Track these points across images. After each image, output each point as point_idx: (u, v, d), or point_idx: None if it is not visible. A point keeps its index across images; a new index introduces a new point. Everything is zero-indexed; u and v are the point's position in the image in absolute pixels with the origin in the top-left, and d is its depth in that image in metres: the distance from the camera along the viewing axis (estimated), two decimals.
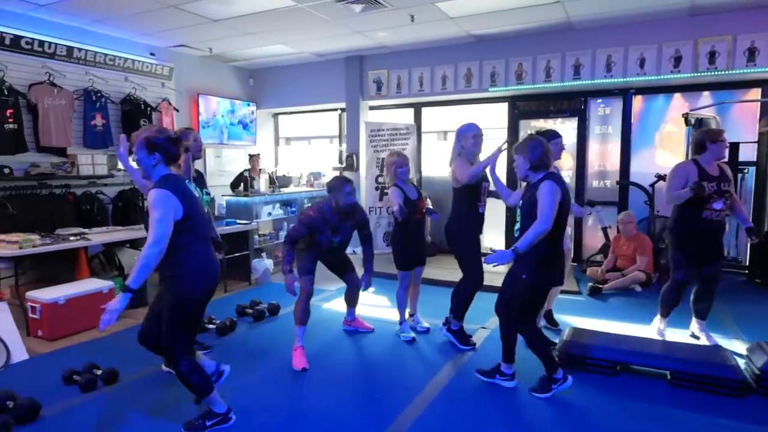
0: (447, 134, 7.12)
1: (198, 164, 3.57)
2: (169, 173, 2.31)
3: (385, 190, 6.48)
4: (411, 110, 7.11)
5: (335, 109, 7.60)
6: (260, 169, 6.69)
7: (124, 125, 5.89)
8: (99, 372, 2.99)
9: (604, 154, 6.22)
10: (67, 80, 5.35)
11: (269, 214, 6.08)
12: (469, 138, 3.38)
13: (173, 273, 2.25)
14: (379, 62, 6.83)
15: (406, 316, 3.84)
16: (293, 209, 6.71)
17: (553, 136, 3.31)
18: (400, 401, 2.76)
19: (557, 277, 2.80)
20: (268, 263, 5.48)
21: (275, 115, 8.30)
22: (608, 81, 5.66)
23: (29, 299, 3.76)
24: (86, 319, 3.88)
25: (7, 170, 4.78)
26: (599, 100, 6.13)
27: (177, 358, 2.32)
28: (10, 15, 4.93)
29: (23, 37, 4.96)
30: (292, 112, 8.08)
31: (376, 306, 4.54)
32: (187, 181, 3.04)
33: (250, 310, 4.21)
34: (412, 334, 3.72)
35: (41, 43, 5.11)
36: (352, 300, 3.78)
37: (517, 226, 2.92)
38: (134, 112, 5.95)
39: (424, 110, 7.07)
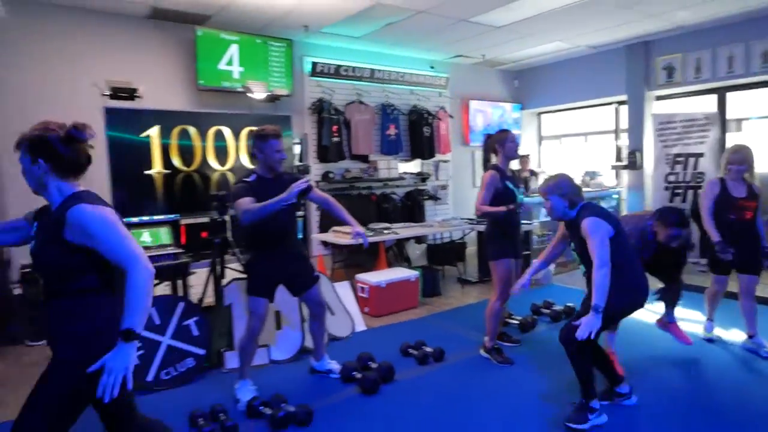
0: None
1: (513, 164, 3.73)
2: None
3: (677, 190, 5.78)
4: (712, 97, 6.15)
5: (609, 104, 7.13)
6: (530, 170, 6.74)
7: (411, 133, 6.70)
8: (429, 349, 3.44)
9: None
10: (370, 98, 6.36)
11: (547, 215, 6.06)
12: None
13: None
14: (671, 46, 6.12)
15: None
16: None
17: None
18: None
19: (640, 300, 2.57)
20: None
21: (539, 114, 8.26)
22: None
23: (359, 281, 4.58)
24: (399, 301, 4.54)
25: (331, 175, 5.94)
26: None
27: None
28: (336, 49, 6.11)
29: (342, 65, 6.09)
30: (558, 110, 7.91)
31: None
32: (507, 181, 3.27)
33: (547, 310, 4.27)
34: None
35: (354, 68, 6.18)
36: (671, 298, 3.44)
37: (582, 269, 2.66)
38: (418, 121, 6.69)
39: (730, 95, 6.04)
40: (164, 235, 3.65)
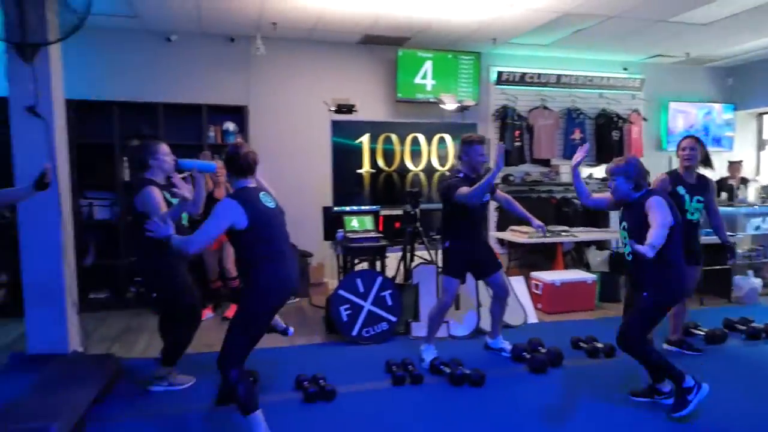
0: None
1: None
2: None
3: None
4: None
5: None
6: (741, 177, 6.06)
7: (597, 138, 6.61)
8: (600, 345, 3.58)
9: None
10: (555, 103, 6.49)
11: (757, 228, 5.42)
12: None
13: None
14: None
15: None
16: None
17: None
18: None
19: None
20: (756, 282, 4.93)
21: (759, 116, 7.27)
22: None
23: (533, 278, 4.84)
24: (574, 302, 4.67)
25: (511, 178, 6.27)
26: None
27: (228, 364, 2.33)
28: (522, 57, 6.41)
29: (527, 73, 6.35)
30: None
31: None
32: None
33: (742, 327, 3.97)
34: None
35: (539, 75, 6.39)
36: None
37: (627, 249, 2.67)
38: (606, 125, 6.56)
39: None
40: (368, 222, 4.48)
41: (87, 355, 3.56)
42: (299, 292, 5.37)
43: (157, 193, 2.89)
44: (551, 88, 6.46)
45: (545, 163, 6.47)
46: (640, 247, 2.32)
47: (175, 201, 2.95)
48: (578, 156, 3.05)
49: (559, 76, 6.45)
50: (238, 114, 5.54)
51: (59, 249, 3.45)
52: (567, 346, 3.70)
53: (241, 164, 2.44)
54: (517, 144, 6.28)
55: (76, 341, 3.66)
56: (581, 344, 3.67)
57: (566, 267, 5.72)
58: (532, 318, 4.40)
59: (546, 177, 6.36)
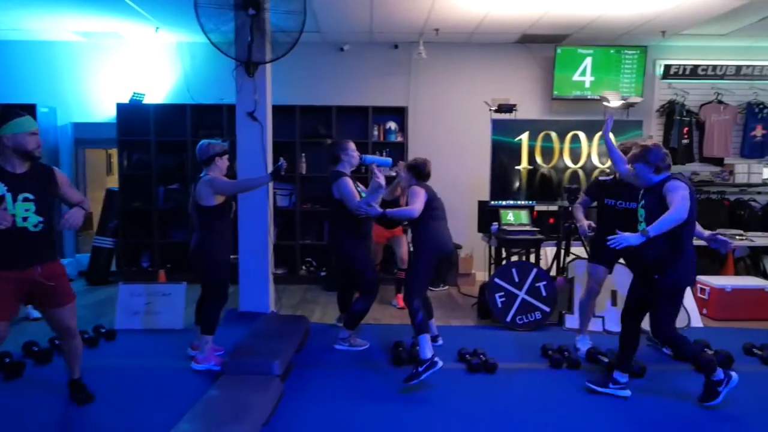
0: None
1: None
2: None
3: None
4: None
5: None
6: None
7: None
8: None
9: None
10: (732, 97, 5.97)
11: None
12: None
13: None
14: None
15: None
16: None
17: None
18: None
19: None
20: None
21: None
22: None
23: (700, 282, 4.61)
24: (746, 310, 4.35)
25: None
26: None
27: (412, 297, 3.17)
28: (693, 48, 6.00)
29: (700, 65, 5.94)
30: None
31: None
32: None
33: None
34: None
35: (714, 67, 5.93)
36: None
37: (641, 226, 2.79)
38: None
39: None
40: (523, 216, 4.68)
41: (283, 315, 4.34)
42: (448, 281, 5.79)
43: (349, 182, 3.46)
44: (728, 81, 5.96)
45: (717, 161, 5.99)
46: (627, 235, 2.50)
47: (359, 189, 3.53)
48: (607, 125, 3.23)
49: (738, 67, 5.92)
50: (399, 114, 6.10)
51: (266, 230, 4.27)
52: (737, 351, 3.53)
53: (424, 172, 3.44)
54: (685, 141, 5.92)
55: (273, 305, 4.48)
56: (755, 351, 3.48)
57: (737, 273, 5.29)
58: (696, 322, 4.21)
59: (717, 177, 5.89)
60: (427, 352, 3.03)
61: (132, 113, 6.01)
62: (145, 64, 6.26)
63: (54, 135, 6.22)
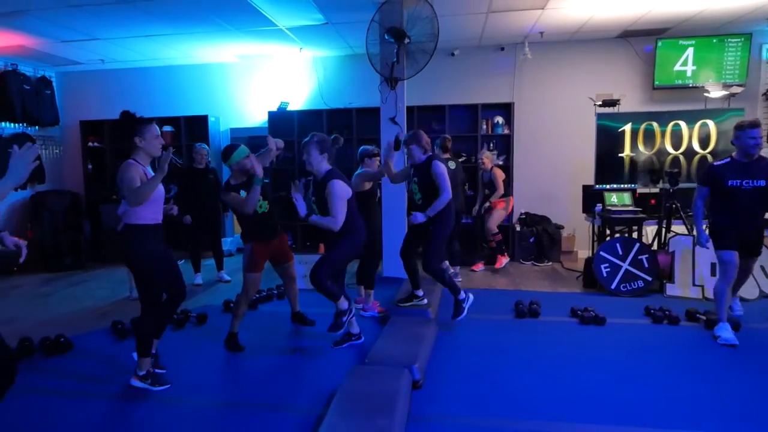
0: None
1: None
2: None
3: None
4: None
5: None
6: None
7: None
8: None
9: None
10: None
11: None
12: None
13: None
14: None
15: None
16: None
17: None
18: None
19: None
20: None
21: None
22: None
23: None
24: None
25: None
26: None
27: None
28: None
29: None
30: None
31: None
32: None
33: None
34: None
35: None
36: None
37: (418, 196, 3.82)
38: None
39: None
40: (626, 198, 5.24)
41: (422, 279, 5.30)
42: (552, 258, 6.44)
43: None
44: None
45: None
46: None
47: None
48: None
49: None
50: (505, 109, 6.80)
51: (403, 214, 5.24)
52: None
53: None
54: None
55: None
56: None
57: None
58: None
59: None
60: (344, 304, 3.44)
61: (279, 118, 7.28)
62: (288, 77, 7.50)
63: (218, 139, 7.67)
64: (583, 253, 6.38)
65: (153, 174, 2.81)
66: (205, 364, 3.38)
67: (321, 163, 3.31)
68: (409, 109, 6.82)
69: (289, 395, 2.88)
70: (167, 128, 7.33)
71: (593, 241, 5.68)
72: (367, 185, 4.18)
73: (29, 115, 7.07)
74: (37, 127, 7.34)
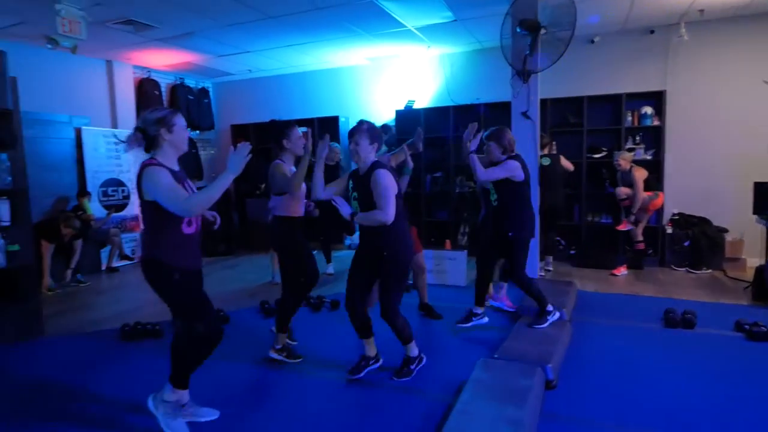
0: None
1: None
2: None
3: None
4: None
5: None
6: None
7: None
8: None
9: None
10: None
11: None
12: None
13: None
14: None
15: None
16: None
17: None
18: None
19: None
20: None
21: None
22: None
23: None
24: None
25: None
26: None
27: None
28: None
29: None
30: None
31: None
32: None
33: None
34: None
35: None
36: None
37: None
38: None
39: None
40: None
41: (553, 280, 5.18)
42: (712, 265, 5.79)
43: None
44: None
45: None
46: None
47: None
48: None
49: None
50: (654, 98, 6.28)
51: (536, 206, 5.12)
52: None
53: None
54: None
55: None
56: None
57: None
58: None
59: None
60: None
61: (406, 116, 7.54)
62: (415, 76, 7.74)
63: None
64: (754, 261, 5.64)
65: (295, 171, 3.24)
66: (335, 343, 3.70)
67: (369, 154, 2.90)
68: (542, 102, 6.64)
69: (419, 381, 3.03)
70: (303, 129, 8.02)
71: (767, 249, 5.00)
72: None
73: (192, 121, 8.26)
74: (198, 131, 8.54)
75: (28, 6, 4.86)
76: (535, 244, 5.15)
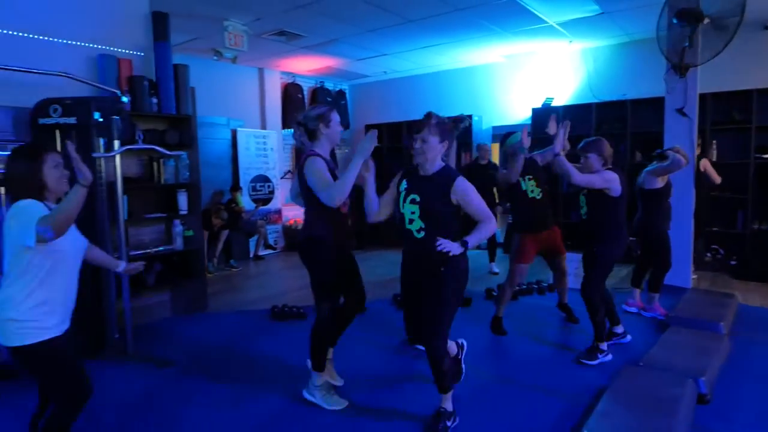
0: None
1: None
2: None
3: None
4: None
5: None
6: None
7: None
8: None
9: None
10: None
11: None
12: None
13: None
14: None
15: None
16: None
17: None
18: None
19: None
20: None
21: None
22: None
23: None
24: None
25: None
26: None
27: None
28: None
29: None
30: None
31: None
32: None
33: None
34: None
35: None
36: None
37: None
38: None
39: None
40: None
41: (711, 290, 4.81)
42: None
43: None
44: None
45: None
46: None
47: None
48: None
49: None
50: None
51: (690, 211, 4.78)
52: None
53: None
54: None
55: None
56: None
57: None
58: None
59: None
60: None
61: (544, 115, 7.39)
62: (554, 72, 7.57)
63: (480, 137, 8.24)
64: None
65: None
66: (473, 341, 3.83)
67: (438, 154, 2.53)
68: (701, 96, 6.11)
69: (555, 382, 3.06)
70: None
71: None
72: (661, 181, 4.01)
73: None
74: None
75: (202, 24, 5.71)
76: (688, 251, 4.83)
